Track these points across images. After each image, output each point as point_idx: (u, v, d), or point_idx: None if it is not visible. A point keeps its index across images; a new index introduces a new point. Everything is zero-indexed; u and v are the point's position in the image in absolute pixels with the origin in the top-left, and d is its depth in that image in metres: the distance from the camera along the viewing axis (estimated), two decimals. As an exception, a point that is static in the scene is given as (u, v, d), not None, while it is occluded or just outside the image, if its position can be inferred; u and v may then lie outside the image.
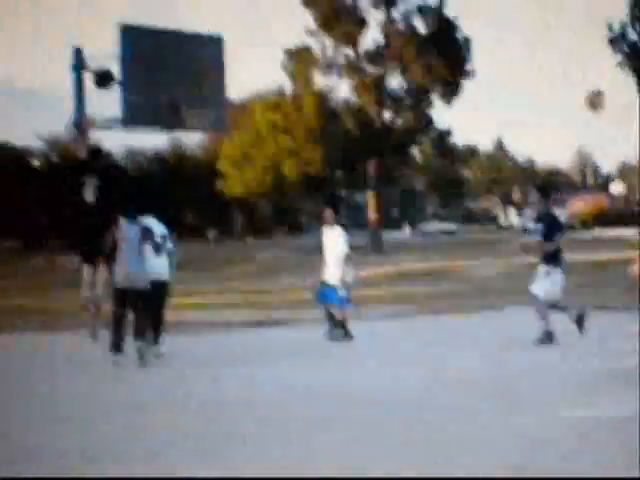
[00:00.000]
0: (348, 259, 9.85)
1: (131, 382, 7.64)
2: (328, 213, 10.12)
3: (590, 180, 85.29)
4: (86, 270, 10.56)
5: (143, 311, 8.48)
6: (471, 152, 78.35)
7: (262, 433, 5.37)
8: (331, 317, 9.93)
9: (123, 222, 8.53)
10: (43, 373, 8.36)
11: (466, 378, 7.17)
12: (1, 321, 12.98)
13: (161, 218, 9.04)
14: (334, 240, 9.87)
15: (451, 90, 40.45)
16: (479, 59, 43.07)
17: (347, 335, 9.89)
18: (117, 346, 8.39)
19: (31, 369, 8.65)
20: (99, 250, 9.43)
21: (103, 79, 12.64)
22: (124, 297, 8.46)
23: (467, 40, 40.96)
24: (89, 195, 11.88)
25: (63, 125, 14.54)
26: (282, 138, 42.20)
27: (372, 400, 6.33)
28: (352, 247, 10.14)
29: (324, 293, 9.93)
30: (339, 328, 9.88)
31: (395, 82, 40.74)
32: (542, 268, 9.08)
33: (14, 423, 5.98)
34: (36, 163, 46.06)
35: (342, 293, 9.83)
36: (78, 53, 12.92)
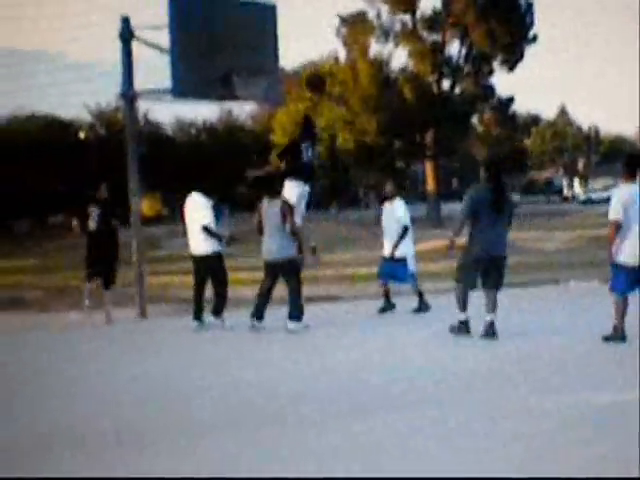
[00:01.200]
0: (408, 232, 9.65)
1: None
2: (389, 186, 9.88)
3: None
4: None
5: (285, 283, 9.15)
6: (533, 120, 76.18)
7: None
8: (387, 295, 9.81)
9: (265, 200, 9.11)
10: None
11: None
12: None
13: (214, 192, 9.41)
14: (394, 213, 9.69)
15: (513, 56, 39.22)
16: (542, 23, 41.62)
17: (424, 307, 9.78)
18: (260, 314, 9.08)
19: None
20: None
21: None
22: (271, 270, 9.15)
23: (529, 4, 39.60)
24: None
25: (111, 96, 14.43)
26: (337, 107, 41.48)
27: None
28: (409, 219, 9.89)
29: (388, 270, 9.71)
30: (423, 302, 9.78)
31: (454, 49, 39.63)
32: None
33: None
34: (82, 135, 46.15)
35: (412, 267, 9.67)
36: (126, 22, 12.68)
